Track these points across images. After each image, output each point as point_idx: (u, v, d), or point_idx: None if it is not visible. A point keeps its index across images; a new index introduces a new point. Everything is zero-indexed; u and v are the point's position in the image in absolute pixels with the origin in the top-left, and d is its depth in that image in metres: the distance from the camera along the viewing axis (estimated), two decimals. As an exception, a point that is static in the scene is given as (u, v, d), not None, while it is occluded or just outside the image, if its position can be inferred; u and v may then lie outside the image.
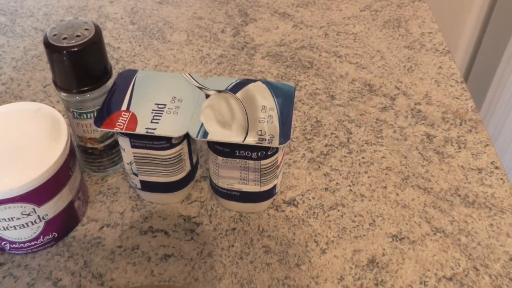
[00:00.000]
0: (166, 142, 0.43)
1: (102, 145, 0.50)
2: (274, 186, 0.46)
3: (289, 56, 0.67)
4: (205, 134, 0.42)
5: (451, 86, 0.61)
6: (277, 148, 0.43)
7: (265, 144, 0.41)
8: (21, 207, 0.42)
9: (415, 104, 0.59)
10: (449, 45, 0.68)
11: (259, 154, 0.42)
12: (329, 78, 0.63)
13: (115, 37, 0.71)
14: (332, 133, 0.55)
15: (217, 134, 0.42)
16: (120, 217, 0.48)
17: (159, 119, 0.43)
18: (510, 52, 1.15)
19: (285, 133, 0.42)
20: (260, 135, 0.41)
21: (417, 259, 0.44)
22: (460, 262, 0.44)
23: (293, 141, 0.55)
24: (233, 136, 0.41)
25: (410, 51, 0.67)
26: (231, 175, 0.45)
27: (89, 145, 0.49)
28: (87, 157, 0.51)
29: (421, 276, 0.43)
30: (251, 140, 0.41)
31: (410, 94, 0.60)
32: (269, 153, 0.42)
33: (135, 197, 0.50)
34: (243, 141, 0.41)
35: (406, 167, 0.52)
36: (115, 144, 0.51)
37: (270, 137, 0.41)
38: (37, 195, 0.42)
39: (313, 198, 0.49)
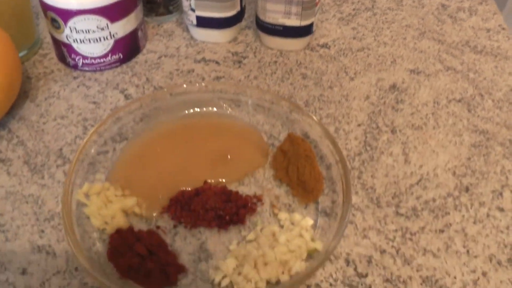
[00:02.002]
0: (223, -26, 0.50)
1: (161, -9, 0.56)
2: (312, 24, 0.52)
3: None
4: (259, -38, 0.48)
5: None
6: (318, -19, 0.49)
7: (311, -30, 0.47)
8: (97, 20, 0.48)
9: (432, -16, 0.66)
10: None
11: (303, -16, 0.49)
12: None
13: None
14: (358, 1, 0.62)
15: (270, -38, 0.48)
16: (176, 50, 0.55)
17: (219, -46, 0.50)
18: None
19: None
20: (306, -36, 0.48)
21: (431, 86, 0.51)
22: (468, 90, 0.51)
23: (324, 6, 0.61)
24: (283, -36, 0.48)
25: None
26: (276, 9, 0.51)
27: (150, -10, 0.56)
28: (147, 4, 0.57)
29: (435, 98, 0.50)
30: (299, -33, 0.48)
31: (427, -22, 0.67)
32: (311, -16, 0.49)
33: (189, 38, 0.56)
34: (292, -33, 0.47)
35: (423, 26, 0.58)
36: (172, -7, 0.57)
37: (315, -34, 0.48)
38: (111, 11, 0.48)
39: (343, 43, 0.56)
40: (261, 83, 0.51)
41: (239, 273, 0.37)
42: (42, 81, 0.51)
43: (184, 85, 0.46)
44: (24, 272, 0.38)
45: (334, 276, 0.38)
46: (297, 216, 0.40)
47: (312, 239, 0.38)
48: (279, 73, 0.52)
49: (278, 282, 0.37)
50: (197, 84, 0.46)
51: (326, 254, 0.37)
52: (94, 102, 0.49)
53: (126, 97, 0.49)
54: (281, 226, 0.40)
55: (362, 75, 0.52)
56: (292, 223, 0.40)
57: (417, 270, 0.39)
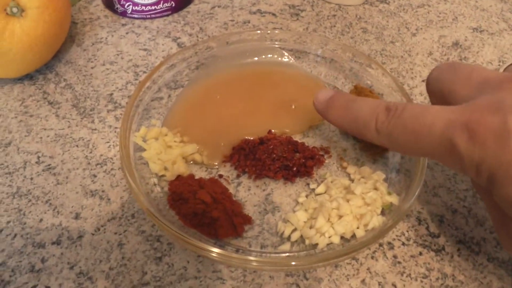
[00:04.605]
0: None
1: None
2: (373, -24, 0.47)
3: None
4: None
5: None
6: None
7: None
8: (154, -40, 0.42)
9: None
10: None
11: None
12: None
13: None
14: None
15: None
16: (230, 1, 0.49)
17: None
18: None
19: None
20: None
21: (496, 45, 0.46)
22: (535, 51, 0.46)
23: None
24: None
25: None
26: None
27: None
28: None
29: (500, 57, 0.45)
30: None
31: None
32: None
33: (240, -11, 0.50)
34: None
35: (481, -13, 0.53)
36: None
37: None
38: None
39: None
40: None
41: (311, 227, 0.32)
42: (88, 27, 0.45)
43: (259, 31, 0.40)
44: (77, 216, 0.32)
45: (406, 234, 0.33)
46: (367, 170, 0.35)
47: (389, 193, 0.33)
48: (339, 27, 0.46)
49: (352, 237, 0.32)
50: (259, 32, 0.41)
51: (404, 210, 0.31)
52: (145, 49, 0.43)
53: (179, 45, 0.44)
54: (351, 180, 0.35)
55: (424, 31, 0.46)
56: (363, 177, 0.35)
57: (491, 232, 0.33)
